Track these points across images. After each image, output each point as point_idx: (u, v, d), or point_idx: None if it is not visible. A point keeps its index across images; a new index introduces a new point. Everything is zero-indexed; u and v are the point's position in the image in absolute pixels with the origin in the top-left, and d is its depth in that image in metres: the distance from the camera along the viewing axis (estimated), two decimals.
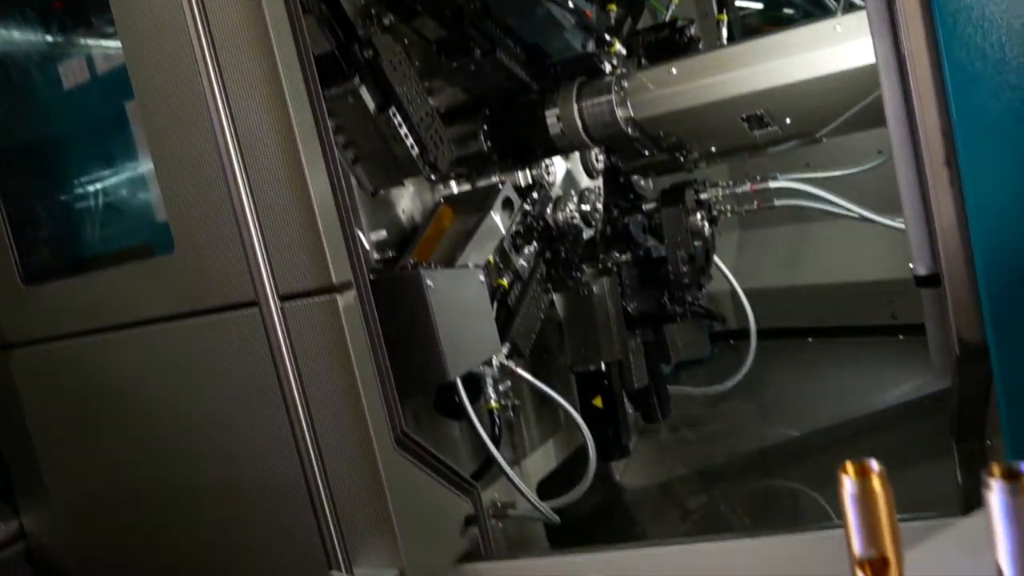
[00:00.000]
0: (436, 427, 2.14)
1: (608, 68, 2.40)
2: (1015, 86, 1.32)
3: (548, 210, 2.46)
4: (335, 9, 1.99)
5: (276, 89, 1.64)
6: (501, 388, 2.14)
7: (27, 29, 2.30)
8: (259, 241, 1.69)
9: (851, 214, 2.59)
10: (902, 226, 1.55)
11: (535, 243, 2.35)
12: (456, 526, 1.87)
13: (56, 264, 2.39)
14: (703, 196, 2.65)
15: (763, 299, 3.00)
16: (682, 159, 2.50)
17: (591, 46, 2.53)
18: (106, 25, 2.06)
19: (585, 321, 2.50)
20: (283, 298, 1.71)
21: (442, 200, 2.33)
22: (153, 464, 2.12)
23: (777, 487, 2.53)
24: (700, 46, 2.69)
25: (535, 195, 2.37)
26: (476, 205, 2.25)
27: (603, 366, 2.50)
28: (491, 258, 2.20)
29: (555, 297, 2.48)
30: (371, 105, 1.95)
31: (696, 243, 2.59)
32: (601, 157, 2.78)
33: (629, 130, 2.33)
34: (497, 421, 2.10)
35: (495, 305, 2.16)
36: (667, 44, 2.63)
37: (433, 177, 2.25)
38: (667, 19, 3.03)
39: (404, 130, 1.97)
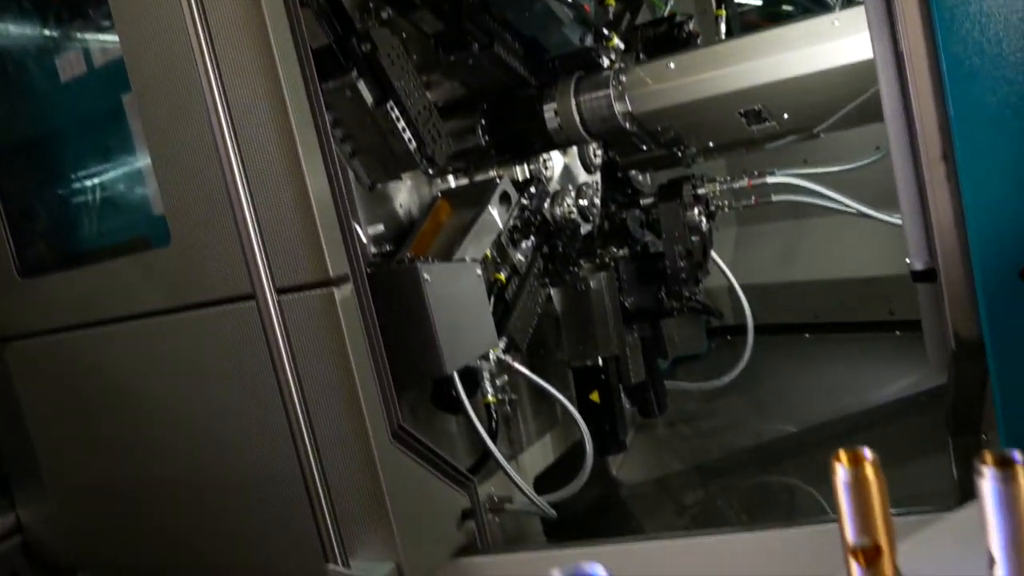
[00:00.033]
0: (433, 421, 2.14)
1: (606, 63, 2.39)
2: (1012, 81, 1.32)
3: (546, 205, 2.47)
4: (333, 2, 1.98)
5: (273, 82, 1.63)
6: (498, 382, 2.14)
7: (24, 21, 2.30)
8: (256, 234, 1.69)
9: (849, 210, 2.59)
10: (899, 222, 1.55)
11: (532, 238, 2.35)
12: (452, 520, 1.88)
13: (53, 257, 2.39)
14: (701, 191, 2.65)
15: (760, 295, 3.00)
16: (680, 154, 2.50)
17: (589, 41, 2.53)
18: (103, 18, 2.06)
19: (582, 316, 2.50)
20: (280, 291, 1.71)
21: (440, 194, 2.33)
22: (149, 457, 2.12)
23: (773, 482, 2.54)
24: (699, 41, 2.69)
25: (533, 190, 2.37)
26: (474, 199, 2.25)
27: (600, 361, 2.50)
28: (488, 252, 2.20)
29: (552, 292, 2.48)
30: (369, 99, 1.95)
31: (693, 238, 2.59)
32: (599, 152, 2.78)
33: (627, 125, 2.33)
34: (494, 415, 2.10)
35: (492, 299, 2.16)
36: (665, 39, 2.62)
37: (431, 171, 2.25)
38: (666, 14, 3.03)
39: (402, 124, 1.97)
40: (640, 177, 2.93)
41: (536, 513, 2.12)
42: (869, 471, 0.49)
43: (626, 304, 2.61)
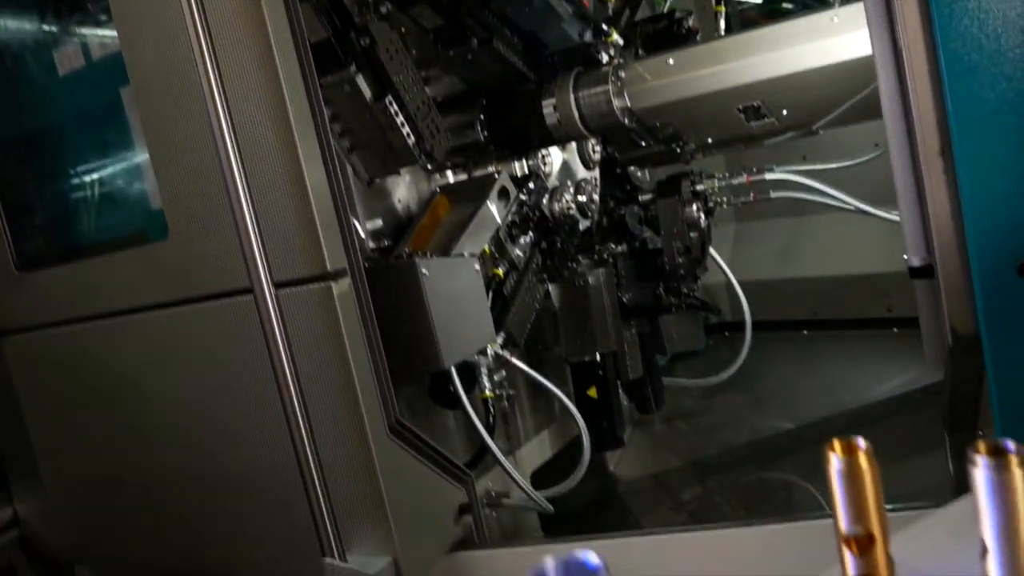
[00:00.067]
0: (431, 416, 2.14)
1: (605, 58, 2.39)
2: (1010, 77, 1.32)
3: (544, 200, 2.46)
4: None
5: (272, 76, 1.63)
6: (496, 378, 2.14)
7: (23, 15, 2.29)
8: (254, 228, 1.69)
9: (847, 207, 2.59)
10: (898, 219, 1.55)
11: (531, 233, 2.35)
12: (450, 514, 1.88)
13: (50, 251, 2.38)
14: (699, 187, 2.65)
15: (758, 291, 3.00)
16: (678, 150, 2.50)
17: (588, 36, 2.52)
18: (102, 12, 2.06)
19: (580, 312, 2.50)
20: (278, 285, 1.71)
21: (438, 189, 2.33)
22: (147, 451, 2.12)
23: (771, 478, 2.54)
24: (698, 38, 2.68)
25: (531, 185, 2.37)
26: (472, 195, 2.25)
27: (598, 357, 2.50)
28: (487, 248, 2.20)
29: (551, 287, 2.48)
30: (367, 93, 1.95)
31: (692, 234, 2.58)
32: (598, 148, 2.78)
33: (626, 120, 2.33)
34: (492, 410, 2.11)
35: (490, 294, 2.16)
36: (665, 35, 2.62)
37: (429, 166, 2.25)
38: (665, 10, 3.02)
39: (400, 119, 1.97)
40: (639, 173, 2.92)
41: (533, 508, 2.12)
42: (863, 460, 0.49)
43: (624, 300, 2.61)
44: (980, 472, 0.45)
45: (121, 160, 2.18)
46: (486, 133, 2.32)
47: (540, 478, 2.41)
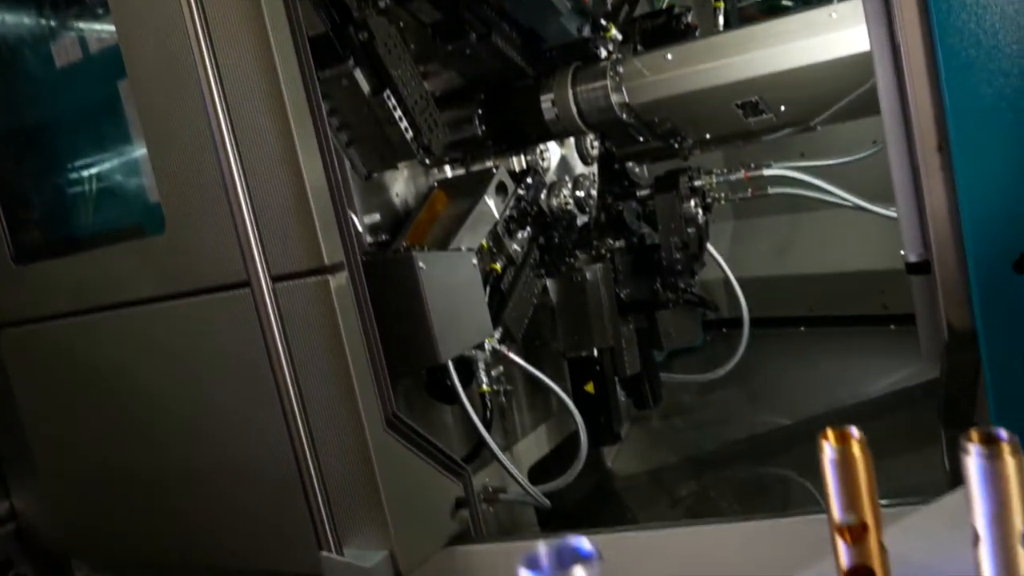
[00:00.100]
0: (428, 411, 2.14)
1: (604, 54, 2.39)
2: (1008, 72, 1.32)
3: (542, 195, 2.46)
4: None
5: (270, 70, 1.63)
6: (493, 373, 2.14)
7: (19, 6, 2.29)
8: (251, 222, 1.69)
9: (845, 203, 2.59)
10: (895, 215, 1.55)
11: (529, 228, 2.35)
12: (447, 508, 1.88)
13: (47, 244, 2.38)
14: (697, 183, 2.65)
15: (756, 288, 3.01)
16: (676, 146, 2.50)
17: (587, 31, 2.52)
18: (99, 4, 2.05)
19: (578, 307, 2.50)
20: (275, 279, 1.71)
21: (436, 184, 2.33)
22: (143, 444, 2.12)
23: (767, 474, 2.55)
24: (696, 33, 2.68)
25: (529, 180, 2.37)
26: (470, 189, 2.25)
27: (595, 352, 2.50)
28: (484, 242, 2.20)
29: (548, 283, 2.48)
30: (365, 88, 1.95)
31: (689, 230, 2.58)
32: (596, 143, 2.78)
33: (624, 116, 2.33)
34: (489, 405, 2.11)
35: (488, 289, 2.16)
36: (664, 31, 2.62)
37: (427, 161, 2.25)
38: (664, 6, 3.02)
39: (398, 113, 1.97)
40: (637, 169, 2.92)
41: (530, 503, 2.13)
42: (856, 449, 0.50)
43: (622, 296, 2.61)
44: (972, 460, 0.45)
45: (118, 153, 2.18)
46: (484, 128, 2.32)
47: (537, 473, 2.41)
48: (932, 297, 1.51)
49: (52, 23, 2.23)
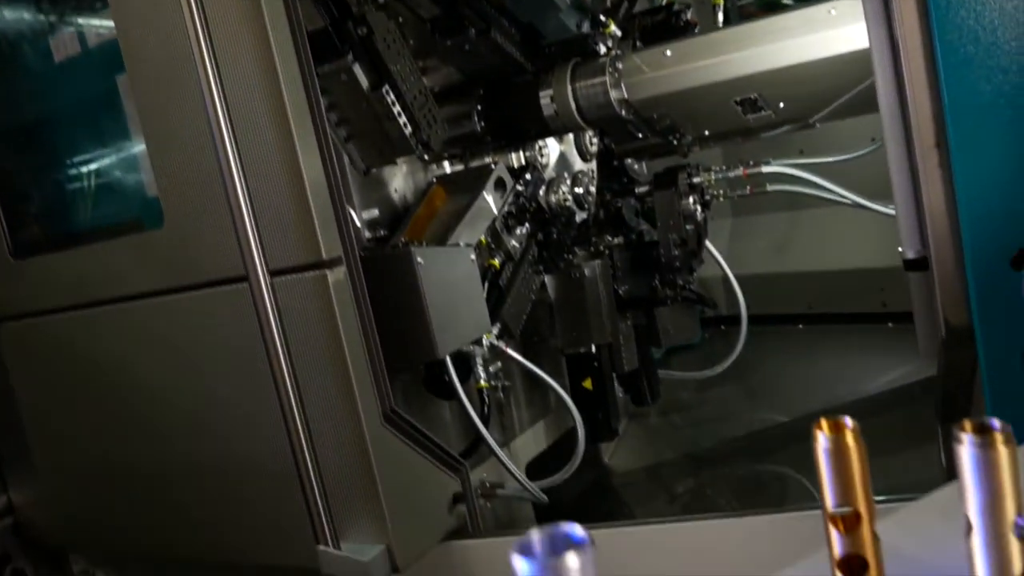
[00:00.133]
0: (426, 407, 2.14)
1: (603, 50, 2.39)
2: (1006, 69, 1.32)
3: (541, 192, 2.46)
4: None
5: (269, 65, 1.63)
6: (491, 368, 2.14)
7: (17, 1, 2.29)
8: (249, 216, 1.69)
9: (844, 200, 2.59)
10: (894, 213, 1.55)
11: (527, 224, 2.35)
12: (444, 504, 1.88)
13: (46, 238, 2.38)
14: (696, 180, 2.65)
15: (754, 285, 3.00)
16: (675, 142, 2.50)
17: (586, 27, 2.52)
18: None
19: (576, 303, 2.50)
20: (273, 273, 1.71)
21: (435, 180, 2.33)
22: (141, 439, 2.12)
23: (765, 471, 2.55)
24: (696, 30, 2.68)
25: (528, 176, 2.37)
26: (469, 185, 2.25)
27: (593, 349, 2.50)
28: (483, 238, 2.20)
29: (546, 279, 2.48)
30: (364, 83, 1.94)
31: (688, 227, 2.59)
32: (595, 140, 2.78)
33: (623, 112, 2.33)
34: (487, 401, 2.11)
35: (486, 285, 2.16)
36: (663, 27, 2.61)
37: (426, 156, 2.25)
38: (664, 2, 3.02)
39: (397, 108, 1.97)
40: (636, 166, 2.92)
41: (527, 498, 2.13)
42: (849, 438, 0.50)
43: (620, 292, 2.61)
44: (965, 450, 0.45)
45: (117, 148, 2.18)
46: (483, 123, 2.32)
47: (535, 469, 2.41)
48: (930, 294, 1.51)
49: (51, 18, 2.23)
